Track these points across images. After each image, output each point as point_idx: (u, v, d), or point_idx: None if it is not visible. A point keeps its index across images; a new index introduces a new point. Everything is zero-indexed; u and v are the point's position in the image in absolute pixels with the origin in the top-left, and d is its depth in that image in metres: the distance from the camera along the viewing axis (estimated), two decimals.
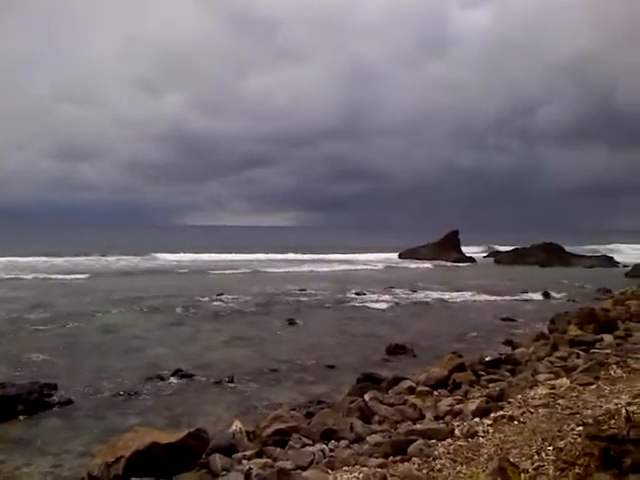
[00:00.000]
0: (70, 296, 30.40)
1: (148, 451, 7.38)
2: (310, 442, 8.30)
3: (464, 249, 72.97)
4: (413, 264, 63.13)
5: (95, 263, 55.83)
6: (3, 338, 19.43)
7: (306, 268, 54.42)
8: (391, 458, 7.16)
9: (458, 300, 31.59)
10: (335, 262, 63.37)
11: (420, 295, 33.50)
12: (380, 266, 59.90)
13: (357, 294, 32.86)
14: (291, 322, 23.49)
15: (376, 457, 7.30)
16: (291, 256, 69.34)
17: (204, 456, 7.81)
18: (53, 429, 11.45)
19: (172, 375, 15.11)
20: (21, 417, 11.95)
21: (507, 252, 73.18)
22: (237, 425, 8.58)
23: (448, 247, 70.62)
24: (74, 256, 59.96)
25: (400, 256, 75.93)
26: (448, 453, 7.01)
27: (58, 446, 10.46)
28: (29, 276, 40.97)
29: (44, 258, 56.21)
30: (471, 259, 68.63)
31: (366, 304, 29.43)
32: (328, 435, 8.53)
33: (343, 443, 8.20)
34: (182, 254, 65.56)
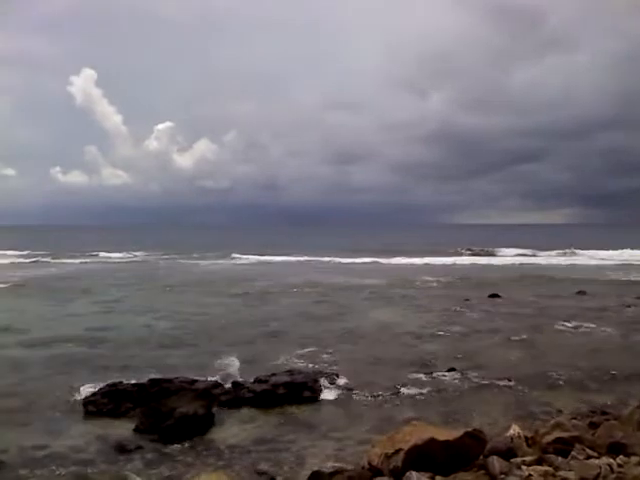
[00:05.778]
0: (348, 290, 32.74)
1: (426, 447, 7.53)
2: (595, 454, 7.76)
3: None
4: None
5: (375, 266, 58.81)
6: (287, 328, 21.55)
7: (585, 272, 50.71)
8: None
9: None
10: (618, 262, 58.25)
11: None
12: None
13: None
14: (569, 325, 22.17)
15: None
16: (566, 259, 65.12)
17: (481, 457, 7.74)
18: (334, 415, 12.33)
19: (447, 372, 15.25)
20: (306, 402, 12.96)
21: None
22: (515, 429, 8.37)
23: None
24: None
25: None
26: None
27: (340, 432, 11.23)
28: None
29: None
30: None
31: None
32: (616, 449, 7.89)
33: (634, 459, 7.51)
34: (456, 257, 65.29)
